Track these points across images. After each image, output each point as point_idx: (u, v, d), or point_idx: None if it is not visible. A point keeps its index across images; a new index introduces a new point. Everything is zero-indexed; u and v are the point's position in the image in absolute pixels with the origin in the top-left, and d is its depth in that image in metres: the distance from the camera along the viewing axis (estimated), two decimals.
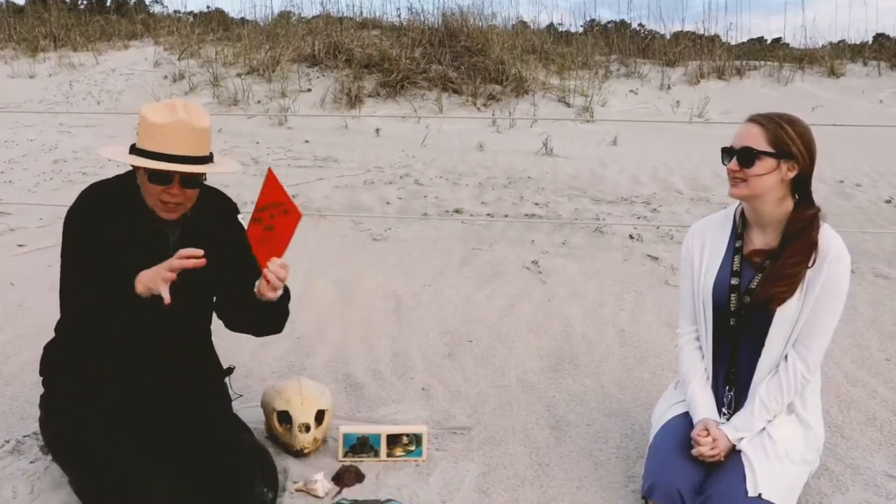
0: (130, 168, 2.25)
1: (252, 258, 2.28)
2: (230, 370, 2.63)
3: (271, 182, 2.12)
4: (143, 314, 2.12)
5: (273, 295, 2.18)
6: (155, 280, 2.02)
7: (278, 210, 2.14)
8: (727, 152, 2.20)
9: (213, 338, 2.59)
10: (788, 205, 2.20)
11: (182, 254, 2.03)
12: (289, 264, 2.19)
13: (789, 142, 2.13)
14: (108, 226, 2.19)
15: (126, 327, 2.15)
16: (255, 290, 2.21)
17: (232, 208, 2.46)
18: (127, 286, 2.07)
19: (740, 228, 2.32)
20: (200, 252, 2.04)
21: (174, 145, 2.10)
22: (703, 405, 2.29)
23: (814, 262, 2.16)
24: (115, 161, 2.16)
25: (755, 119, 2.18)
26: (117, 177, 2.29)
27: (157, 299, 2.02)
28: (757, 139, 2.14)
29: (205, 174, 2.21)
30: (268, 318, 2.36)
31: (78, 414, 2.24)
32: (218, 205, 2.42)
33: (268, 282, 2.15)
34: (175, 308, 2.11)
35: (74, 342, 2.30)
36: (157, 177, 2.12)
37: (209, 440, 2.26)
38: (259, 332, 2.51)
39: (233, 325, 2.50)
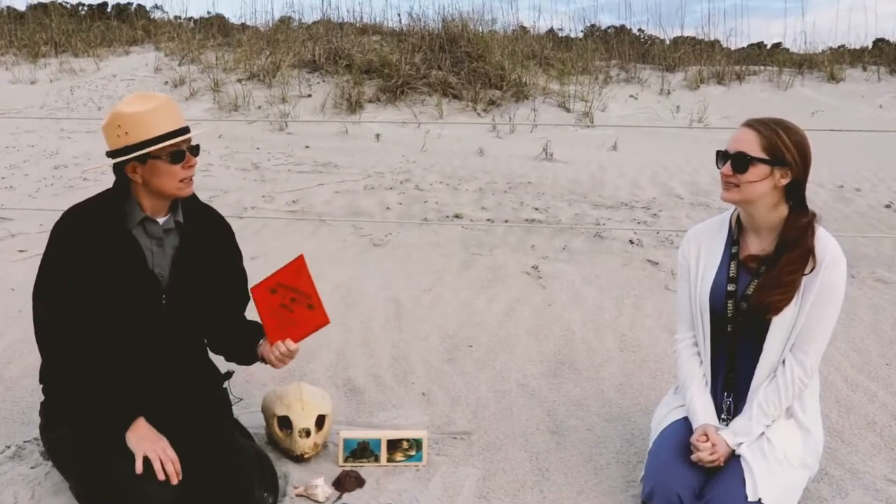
0: (108, 185, 2.30)
1: (241, 279, 2.47)
2: (229, 374, 2.63)
3: (298, 268, 2.24)
4: (140, 328, 2.19)
5: (278, 366, 2.36)
6: (141, 446, 2.14)
7: (302, 299, 2.24)
8: (721, 156, 2.21)
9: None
10: (783, 210, 2.21)
11: (174, 467, 2.13)
12: (299, 350, 2.34)
13: (784, 149, 2.12)
14: (97, 240, 2.19)
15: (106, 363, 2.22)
16: (259, 349, 2.39)
17: (227, 227, 2.52)
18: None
19: (736, 234, 2.32)
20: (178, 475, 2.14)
21: (171, 123, 2.18)
22: (702, 410, 2.29)
23: (811, 268, 2.16)
24: (124, 160, 2.19)
25: (751, 124, 2.18)
26: (98, 195, 2.30)
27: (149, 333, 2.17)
28: (751, 145, 2.14)
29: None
30: (243, 357, 2.51)
31: (78, 420, 2.24)
32: (213, 220, 2.47)
33: (271, 357, 2.34)
34: (173, 312, 2.17)
35: (74, 351, 2.30)
36: (177, 155, 2.19)
37: (209, 445, 2.26)
38: (230, 360, 2.59)
39: (215, 345, 2.57)
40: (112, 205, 2.25)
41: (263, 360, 2.40)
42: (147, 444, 2.14)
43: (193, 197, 2.38)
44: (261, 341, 2.40)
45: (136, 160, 2.17)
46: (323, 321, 2.26)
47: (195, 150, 2.27)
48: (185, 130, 2.22)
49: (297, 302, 2.25)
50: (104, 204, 2.26)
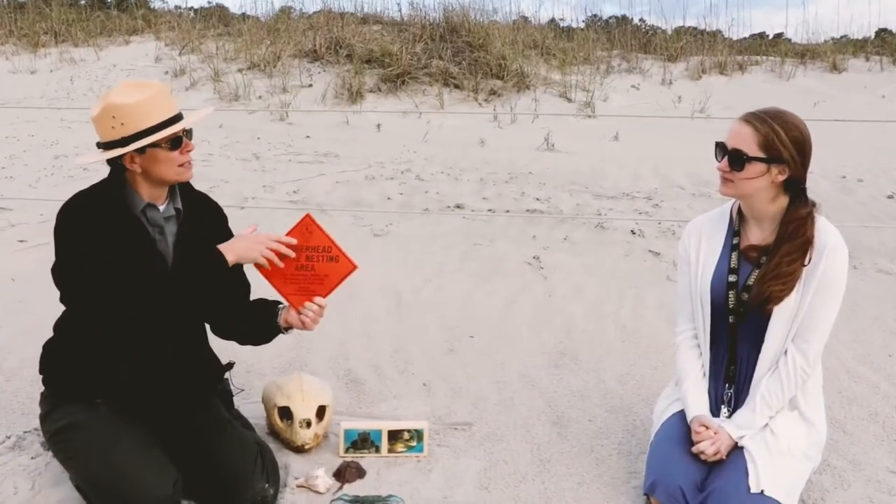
0: (104, 175, 2.27)
1: (239, 265, 2.35)
2: (230, 365, 2.63)
3: (306, 227, 2.23)
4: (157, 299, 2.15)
5: (312, 327, 2.32)
6: (250, 250, 2.19)
7: (321, 255, 2.23)
8: (720, 148, 2.18)
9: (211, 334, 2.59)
10: (783, 201, 2.18)
11: (283, 240, 2.21)
12: (327, 304, 2.31)
13: (780, 147, 2.09)
14: (104, 223, 2.16)
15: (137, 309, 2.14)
16: (280, 318, 2.35)
17: (221, 212, 2.51)
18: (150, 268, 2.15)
19: (737, 225, 2.30)
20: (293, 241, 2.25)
21: (165, 111, 2.17)
22: (694, 402, 2.28)
23: (810, 259, 2.14)
24: (124, 152, 2.15)
25: (749, 119, 2.14)
26: (94, 185, 2.26)
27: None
28: (748, 142, 2.11)
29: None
30: (260, 337, 2.48)
31: (78, 410, 2.23)
32: (208, 207, 2.46)
33: (299, 314, 2.31)
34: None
35: (74, 341, 2.29)
36: (176, 141, 2.19)
37: (210, 436, 2.26)
38: (245, 342, 2.57)
39: (221, 329, 2.53)
40: (112, 194, 2.23)
41: (284, 331, 2.37)
42: (250, 247, 2.21)
43: (188, 185, 2.37)
44: (279, 311, 2.37)
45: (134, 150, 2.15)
46: (350, 268, 2.24)
47: (190, 133, 2.26)
48: (180, 117, 2.21)
49: (315, 259, 2.24)
50: (104, 193, 2.23)
